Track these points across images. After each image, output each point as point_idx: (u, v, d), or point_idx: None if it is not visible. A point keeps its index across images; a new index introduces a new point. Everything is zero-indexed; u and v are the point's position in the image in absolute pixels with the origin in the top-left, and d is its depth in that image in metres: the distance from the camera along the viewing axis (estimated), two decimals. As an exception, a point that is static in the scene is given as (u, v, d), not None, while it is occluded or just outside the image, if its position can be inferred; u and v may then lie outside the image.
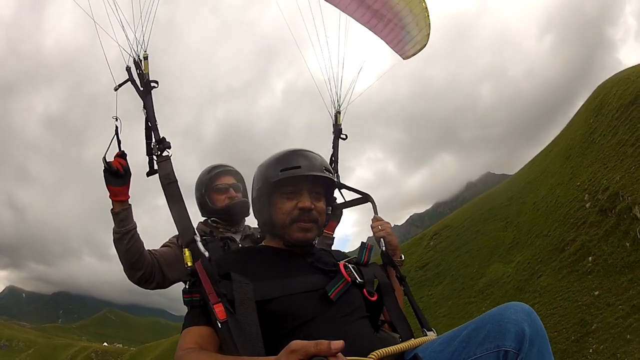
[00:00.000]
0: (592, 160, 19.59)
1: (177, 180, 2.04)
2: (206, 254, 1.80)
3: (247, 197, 3.06)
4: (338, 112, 3.24)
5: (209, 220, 3.08)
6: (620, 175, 16.84)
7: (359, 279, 1.89)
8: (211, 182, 3.06)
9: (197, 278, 1.72)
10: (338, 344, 1.16)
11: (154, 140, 2.19)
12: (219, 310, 1.58)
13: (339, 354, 1.17)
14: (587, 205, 18.10)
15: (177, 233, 2.43)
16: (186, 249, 1.84)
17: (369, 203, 2.58)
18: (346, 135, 3.23)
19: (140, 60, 2.32)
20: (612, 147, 18.45)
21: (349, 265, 1.94)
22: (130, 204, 2.50)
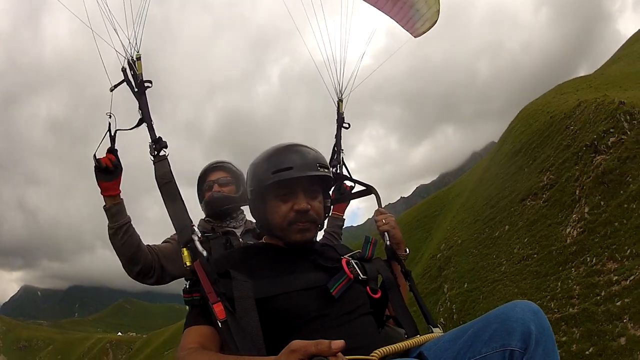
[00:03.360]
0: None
1: (173, 180, 2.00)
2: (204, 253, 1.76)
3: (240, 191, 3.05)
4: (340, 100, 3.21)
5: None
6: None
7: (361, 275, 1.87)
8: (202, 180, 3.11)
9: (196, 277, 1.69)
10: (338, 343, 1.15)
11: (150, 140, 2.17)
12: (219, 309, 1.56)
13: (339, 353, 1.16)
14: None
15: None
16: (184, 249, 1.80)
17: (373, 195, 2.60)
18: (349, 124, 3.21)
19: (134, 61, 2.32)
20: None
21: (352, 261, 1.91)
22: (122, 199, 2.50)
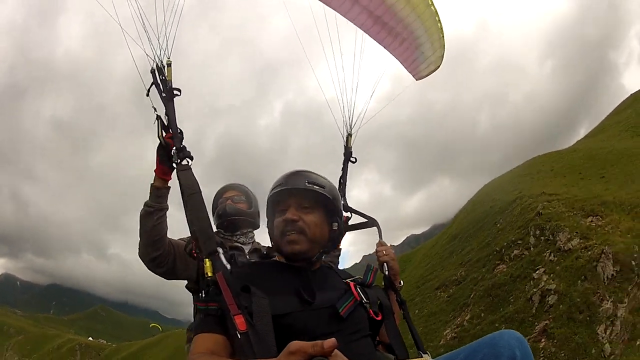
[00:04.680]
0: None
1: (200, 191, 2.02)
2: (228, 266, 1.82)
3: (252, 209, 3.21)
4: (349, 135, 3.28)
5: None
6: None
7: (365, 300, 1.99)
8: (217, 198, 3.25)
9: (215, 287, 1.74)
10: (330, 342, 1.20)
11: (174, 148, 2.21)
12: (240, 321, 1.60)
13: (336, 351, 1.22)
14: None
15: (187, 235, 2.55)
16: (207, 259, 1.83)
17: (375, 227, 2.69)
18: (356, 159, 3.27)
19: (163, 66, 2.35)
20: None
21: (357, 285, 2.04)
22: (170, 187, 2.52)
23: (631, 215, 16.27)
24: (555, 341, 13.37)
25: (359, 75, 3.23)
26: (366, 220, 2.82)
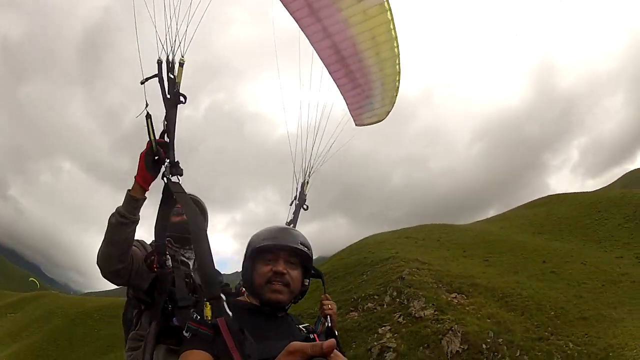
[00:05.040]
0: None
1: (205, 229, 2.17)
2: (230, 313, 1.88)
3: (206, 225, 3.11)
4: (305, 182, 3.34)
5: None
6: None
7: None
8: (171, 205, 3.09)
9: (213, 329, 1.83)
10: (329, 343, 1.23)
11: (167, 160, 2.14)
12: None
13: (335, 350, 1.25)
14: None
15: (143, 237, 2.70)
16: (208, 303, 1.87)
17: (319, 279, 2.72)
18: (307, 206, 3.31)
19: (174, 63, 2.15)
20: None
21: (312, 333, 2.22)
22: (146, 197, 2.40)
23: (499, 303, 17.48)
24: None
25: (323, 123, 3.26)
26: (313, 271, 2.90)
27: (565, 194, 39.24)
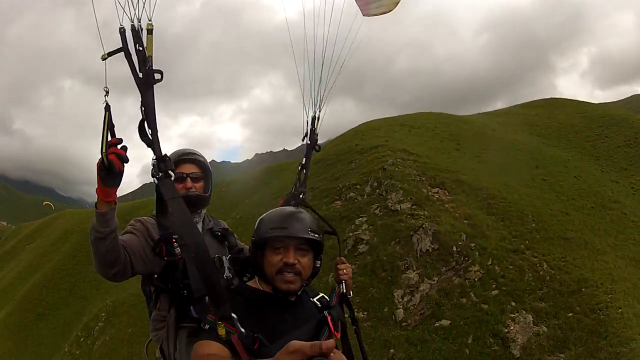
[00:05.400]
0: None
1: (206, 248, 1.91)
2: (242, 330, 1.86)
3: (208, 188, 2.94)
4: (316, 117, 3.04)
5: None
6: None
7: (333, 328, 2.23)
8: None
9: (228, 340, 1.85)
10: (328, 343, 1.23)
11: (153, 156, 1.93)
12: None
13: (336, 350, 1.25)
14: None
15: (140, 217, 2.74)
16: (220, 322, 1.85)
17: (334, 237, 2.84)
18: (319, 147, 3.05)
19: (140, 30, 1.78)
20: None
21: (329, 315, 2.25)
22: (116, 202, 2.24)
23: (481, 204, 16.53)
24: (354, 285, 13.50)
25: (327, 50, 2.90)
26: (329, 230, 2.84)
27: (570, 99, 36.90)
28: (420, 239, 13.97)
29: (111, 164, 1.95)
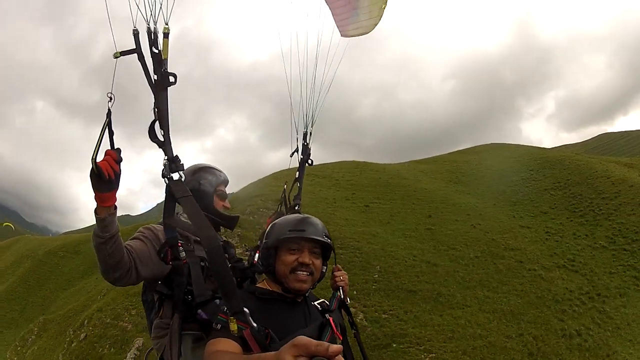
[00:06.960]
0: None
1: (220, 246, 2.00)
2: (254, 324, 1.92)
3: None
4: (307, 133, 3.17)
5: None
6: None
7: (336, 330, 2.33)
8: (217, 184, 3.03)
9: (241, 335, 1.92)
10: (334, 348, 1.23)
11: (164, 156, 1.98)
12: None
13: (340, 355, 1.25)
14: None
15: (148, 225, 2.73)
16: (232, 317, 1.91)
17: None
18: (312, 161, 3.15)
19: (156, 34, 1.80)
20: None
21: (332, 319, 2.33)
22: (116, 207, 2.22)
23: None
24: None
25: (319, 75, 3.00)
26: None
27: (509, 144, 36.46)
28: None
29: (100, 171, 1.96)
